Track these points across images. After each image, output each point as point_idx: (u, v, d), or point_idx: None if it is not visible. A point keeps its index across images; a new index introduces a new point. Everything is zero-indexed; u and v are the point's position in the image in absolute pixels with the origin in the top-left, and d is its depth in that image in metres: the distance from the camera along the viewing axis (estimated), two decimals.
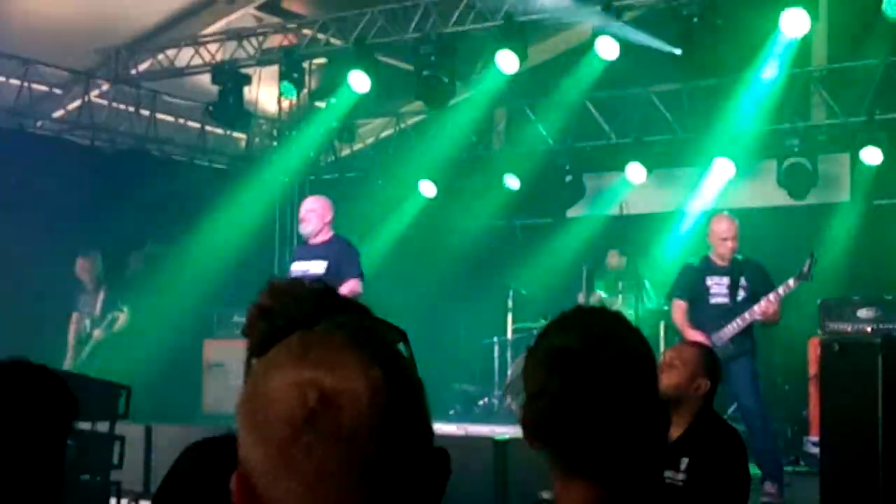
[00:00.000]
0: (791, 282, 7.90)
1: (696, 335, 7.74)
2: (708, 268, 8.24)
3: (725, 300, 8.09)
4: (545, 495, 2.12)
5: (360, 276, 8.11)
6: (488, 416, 11.86)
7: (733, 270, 8.13)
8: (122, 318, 10.57)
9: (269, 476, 1.15)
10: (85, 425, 6.52)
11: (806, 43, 11.03)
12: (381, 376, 1.17)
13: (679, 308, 8.20)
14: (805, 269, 7.93)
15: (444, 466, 1.24)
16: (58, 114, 12.40)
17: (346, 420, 1.13)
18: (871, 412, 6.24)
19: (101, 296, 10.65)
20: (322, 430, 1.13)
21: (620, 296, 11.69)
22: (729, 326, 7.93)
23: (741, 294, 8.07)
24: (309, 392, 1.14)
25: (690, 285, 8.24)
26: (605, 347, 1.96)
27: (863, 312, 9.39)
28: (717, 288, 8.14)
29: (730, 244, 8.13)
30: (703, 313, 8.06)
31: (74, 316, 10.75)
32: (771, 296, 7.89)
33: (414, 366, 1.25)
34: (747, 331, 8.02)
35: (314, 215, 8.46)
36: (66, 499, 2.55)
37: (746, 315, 7.93)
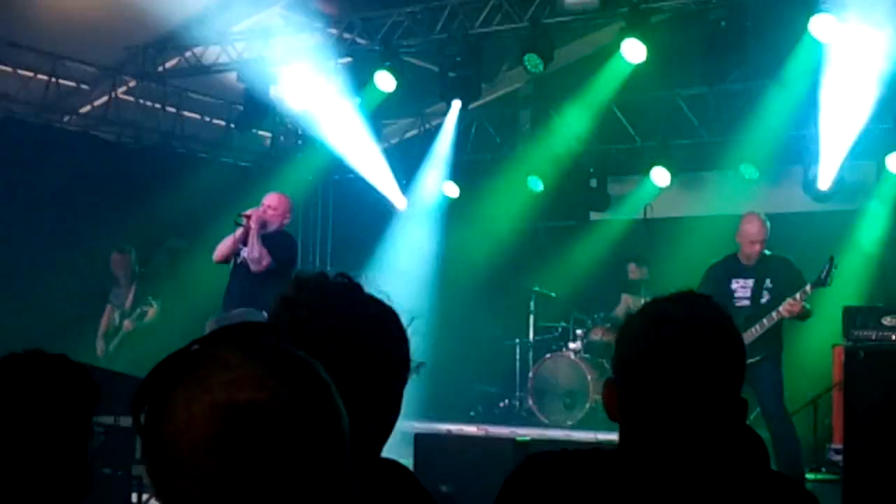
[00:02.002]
0: (808, 287, 7.88)
1: None
2: (733, 269, 8.21)
3: (747, 303, 8.05)
4: None
5: (273, 260, 8.37)
6: (509, 418, 11.85)
7: (759, 271, 8.08)
8: (152, 311, 10.69)
9: None
10: (108, 419, 6.54)
11: None
12: (292, 375, 1.16)
13: None
14: (823, 274, 7.91)
15: (364, 432, 1.24)
16: (84, 109, 12.46)
17: (276, 428, 1.12)
18: (895, 419, 6.20)
19: (133, 290, 10.79)
20: (256, 445, 1.11)
21: (642, 300, 11.66)
22: (750, 331, 7.88)
23: (765, 296, 8.03)
24: (230, 415, 1.12)
25: (717, 289, 8.20)
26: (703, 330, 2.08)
27: (888, 320, 9.31)
28: (742, 291, 8.10)
29: (758, 248, 8.10)
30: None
31: (107, 308, 10.91)
32: (790, 300, 7.85)
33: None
34: (773, 335, 7.96)
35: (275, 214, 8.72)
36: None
37: (765, 321, 7.90)
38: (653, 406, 2.04)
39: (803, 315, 8.01)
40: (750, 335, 7.86)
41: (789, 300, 7.85)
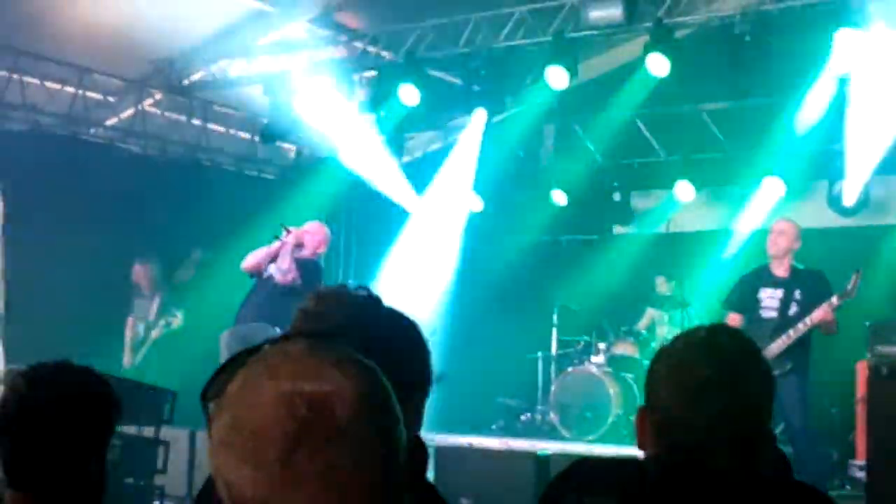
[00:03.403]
0: (834, 299, 7.82)
1: None
2: (763, 279, 8.16)
3: (775, 314, 7.99)
4: None
5: (300, 279, 8.51)
6: (531, 431, 11.84)
7: (790, 282, 8.03)
8: (177, 321, 10.78)
9: (273, 500, 1.15)
10: (131, 429, 6.59)
11: None
12: (357, 372, 1.20)
13: (732, 321, 8.03)
14: (850, 286, 7.85)
15: (421, 449, 1.28)
16: (111, 122, 12.55)
17: (340, 420, 1.15)
18: None
19: (157, 301, 10.89)
20: (319, 435, 1.14)
21: (667, 315, 11.66)
22: (777, 342, 7.83)
23: (793, 308, 7.95)
24: (295, 402, 1.14)
25: (744, 298, 8.17)
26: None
27: None
28: (770, 301, 8.03)
29: (782, 241, 8.02)
30: (753, 327, 7.93)
31: (129, 320, 10.99)
32: (816, 311, 7.80)
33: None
34: (801, 347, 7.91)
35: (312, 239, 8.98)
36: (110, 502, 2.58)
37: (791, 332, 7.84)
38: (685, 446, 2.09)
39: (830, 328, 7.93)
40: (777, 346, 7.82)
41: (815, 311, 7.79)
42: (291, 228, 8.80)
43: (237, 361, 1.25)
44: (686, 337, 2.22)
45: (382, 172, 13.57)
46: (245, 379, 1.20)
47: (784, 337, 7.85)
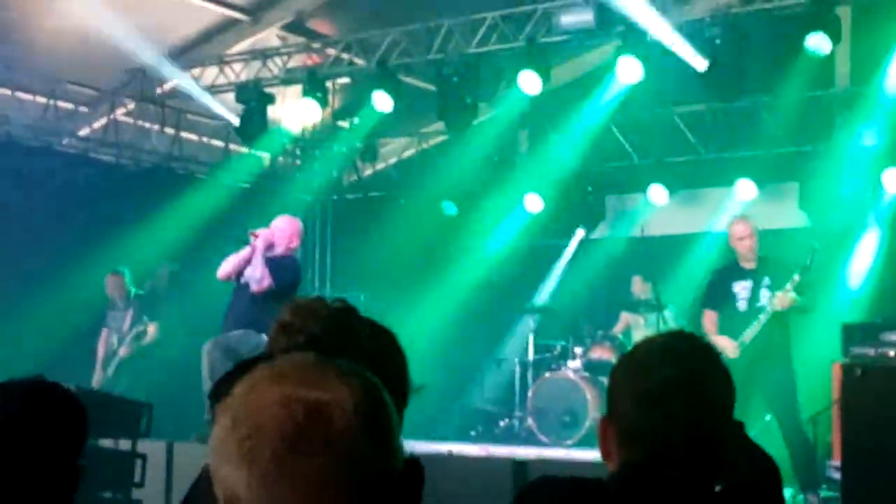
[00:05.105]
0: (796, 277, 8.06)
1: (720, 341, 7.88)
2: (734, 272, 8.43)
3: (746, 304, 8.25)
4: None
5: (275, 282, 8.32)
6: (509, 437, 11.83)
7: (758, 272, 8.27)
8: (151, 331, 10.69)
9: (265, 500, 1.17)
10: (106, 442, 6.56)
11: (829, 65, 11.01)
12: (359, 385, 1.23)
13: (709, 318, 8.44)
14: (808, 261, 8.15)
15: (418, 472, 1.30)
16: (83, 132, 12.49)
17: (335, 428, 1.18)
18: (892, 436, 6.22)
19: (131, 313, 10.78)
20: (314, 441, 1.16)
21: (643, 319, 11.69)
22: (748, 331, 8.11)
23: (763, 297, 8.22)
24: (294, 407, 1.17)
25: (719, 293, 8.41)
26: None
27: (887, 336, 9.31)
28: (743, 293, 8.30)
29: (747, 242, 8.32)
30: (731, 319, 8.25)
31: (104, 332, 10.90)
32: (779, 293, 8.06)
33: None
34: (780, 334, 8.14)
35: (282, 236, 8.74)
36: None
37: (762, 317, 8.11)
38: (646, 453, 2.06)
39: (797, 306, 8.16)
40: (751, 332, 8.08)
41: (778, 293, 8.06)
42: (259, 231, 8.59)
43: (248, 366, 1.29)
44: (644, 344, 2.20)
45: (357, 179, 13.54)
46: (251, 382, 1.23)
47: (755, 323, 8.14)
